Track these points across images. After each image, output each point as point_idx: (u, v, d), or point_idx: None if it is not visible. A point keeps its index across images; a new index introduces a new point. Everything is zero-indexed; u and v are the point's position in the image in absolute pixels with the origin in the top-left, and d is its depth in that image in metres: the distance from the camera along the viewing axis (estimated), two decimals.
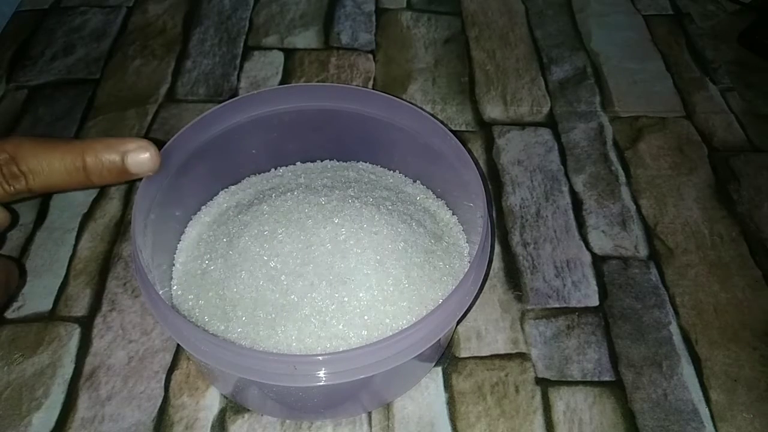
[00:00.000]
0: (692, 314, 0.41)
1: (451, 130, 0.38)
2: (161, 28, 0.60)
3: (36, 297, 0.41)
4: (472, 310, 0.41)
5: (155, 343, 0.39)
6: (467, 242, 0.40)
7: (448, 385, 0.37)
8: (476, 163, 0.37)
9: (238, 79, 0.55)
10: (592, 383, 0.38)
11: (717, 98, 0.54)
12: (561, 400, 0.37)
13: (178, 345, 0.38)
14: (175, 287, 0.38)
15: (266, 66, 0.56)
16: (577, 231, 0.45)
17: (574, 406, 0.37)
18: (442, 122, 0.38)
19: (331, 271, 0.34)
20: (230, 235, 0.37)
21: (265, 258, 0.35)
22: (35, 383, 0.37)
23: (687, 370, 0.38)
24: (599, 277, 0.42)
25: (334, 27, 0.60)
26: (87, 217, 0.45)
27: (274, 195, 0.39)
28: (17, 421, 0.36)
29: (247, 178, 0.44)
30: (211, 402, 0.37)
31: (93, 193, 0.47)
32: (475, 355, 0.39)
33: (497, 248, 0.44)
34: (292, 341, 0.33)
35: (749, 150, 0.50)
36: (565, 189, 0.48)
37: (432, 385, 0.37)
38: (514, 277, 0.42)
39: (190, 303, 0.36)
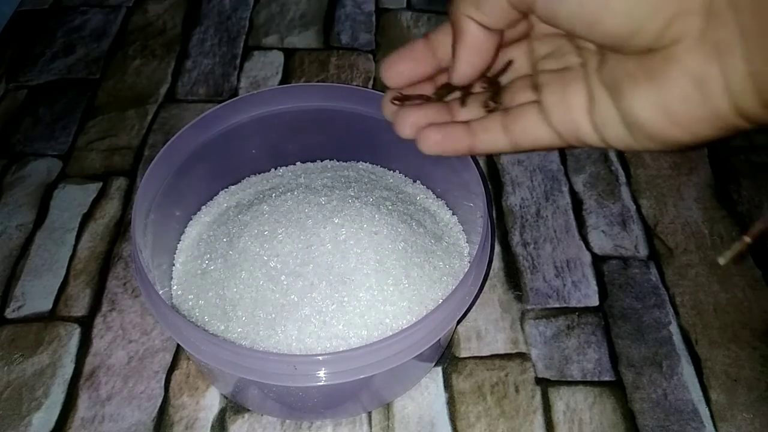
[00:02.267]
0: (692, 314, 0.41)
1: None
2: (161, 28, 0.60)
3: (36, 297, 0.41)
4: (472, 310, 0.41)
5: (155, 343, 0.39)
6: (467, 242, 0.40)
7: (448, 385, 0.37)
8: (476, 163, 0.37)
9: (238, 79, 0.55)
10: (592, 383, 0.38)
11: None
12: (561, 400, 0.37)
13: (178, 345, 0.38)
14: (175, 287, 0.38)
15: (266, 66, 0.56)
16: (577, 231, 0.45)
17: (574, 406, 0.37)
18: None
19: (331, 271, 0.34)
20: (230, 235, 0.37)
21: (265, 258, 0.35)
22: (35, 383, 0.37)
23: (687, 370, 0.38)
24: (599, 277, 0.42)
25: (334, 27, 0.60)
26: (87, 217, 0.45)
27: (274, 195, 0.39)
28: (17, 421, 0.36)
29: (247, 178, 0.44)
30: (211, 402, 0.37)
31: (93, 193, 0.47)
32: (475, 355, 0.39)
33: (497, 248, 0.44)
34: (292, 341, 0.33)
35: (749, 150, 0.50)
36: (565, 189, 0.48)
37: (432, 385, 0.37)
38: (514, 277, 0.42)
39: (190, 303, 0.36)
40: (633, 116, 0.24)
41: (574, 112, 0.26)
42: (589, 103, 0.26)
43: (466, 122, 0.30)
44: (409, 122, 0.30)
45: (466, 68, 0.28)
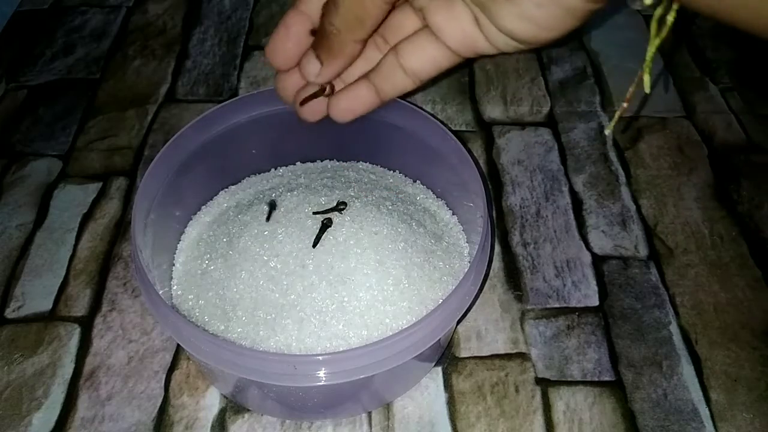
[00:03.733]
0: (692, 314, 0.41)
1: (451, 130, 0.38)
2: (161, 28, 0.60)
3: (36, 297, 0.41)
4: (472, 310, 0.41)
5: (155, 343, 0.39)
6: (467, 242, 0.40)
7: (448, 385, 0.37)
8: (476, 163, 0.37)
9: (238, 79, 0.55)
10: (592, 383, 0.38)
11: (717, 98, 0.54)
12: (561, 400, 0.37)
13: (178, 345, 0.38)
14: (175, 287, 0.38)
15: (266, 66, 0.56)
16: (577, 231, 0.45)
17: (574, 406, 0.37)
18: (442, 122, 0.38)
19: (331, 271, 0.34)
20: (230, 235, 0.37)
21: (265, 258, 0.35)
22: (35, 383, 0.37)
23: (687, 370, 0.38)
24: (599, 277, 0.42)
25: None
26: (87, 217, 0.45)
27: (274, 195, 0.39)
28: (17, 421, 0.36)
29: (247, 178, 0.44)
30: (211, 402, 0.37)
31: (93, 193, 0.47)
32: (475, 355, 0.39)
33: (497, 248, 0.44)
34: (292, 341, 0.33)
35: (749, 150, 0.50)
36: (565, 189, 0.48)
37: (432, 385, 0.37)
38: (514, 277, 0.42)
39: (190, 303, 0.36)
40: (507, 30, 0.27)
41: (466, 27, 0.28)
42: (474, 20, 0.27)
43: (365, 76, 0.31)
44: (312, 107, 0.32)
45: (334, 73, 0.30)
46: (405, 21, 0.30)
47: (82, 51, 0.58)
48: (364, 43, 0.29)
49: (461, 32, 0.28)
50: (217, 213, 0.41)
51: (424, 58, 0.29)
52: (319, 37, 0.29)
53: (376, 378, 0.32)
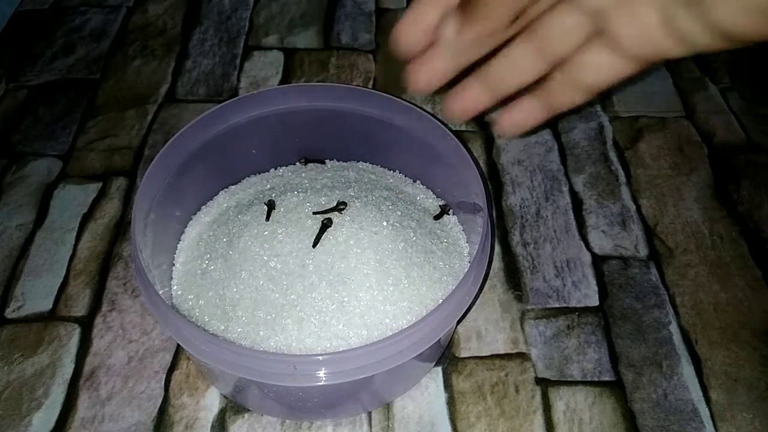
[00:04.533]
0: (692, 314, 0.41)
1: (451, 130, 0.38)
2: (161, 28, 0.60)
3: (36, 297, 0.41)
4: (472, 310, 0.41)
5: (155, 343, 0.39)
6: (467, 242, 0.40)
7: (448, 385, 0.37)
8: (476, 163, 0.37)
9: (238, 79, 0.55)
10: (592, 383, 0.38)
11: (717, 98, 0.54)
12: (561, 400, 0.37)
13: (178, 345, 0.38)
14: (175, 287, 0.38)
15: (266, 66, 0.56)
16: (577, 231, 0.45)
17: (574, 406, 0.37)
18: (442, 122, 0.38)
19: (331, 271, 0.34)
20: (230, 235, 0.37)
21: (265, 258, 0.35)
22: (35, 383, 0.37)
23: (687, 370, 0.38)
24: (599, 277, 0.42)
25: (334, 27, 0.60)
26: (87, 217, 0.45)
27: (274, 195, 0.39)
28: (17, 421, 0.36)
29: (247, 178, 0.44)
30: (211, 402, 0.37)
31: (93, 193, 0.47)
32: (475, 355, 0.39)
33: (497, 248, 0.44)
34: (292, 341, 0.33)
35: (749, 150, 0.50)
36: (565, 189, 0.48)
37: (432, 385, 0.37)
38: (514, 277, 0.42)
39: (190, 303, 0.36)
40: (722, 26, 0.23)
41: (650, 30, 0.24)
42: (663, 20, 0.24)
43: (534, 93, 0.28)
44: (465, 107, 0.29)
45: (470, 41, 0.27)
46: (571, 26, 0.26)
47: (82, 51, 0.58)
48: (509, 24, 0.25)
49: (644, 37, 0.24)
50: (217, 213, 0.41)
51: (602, 72, 0.26)
52: (463, 4, 0.26)
53: (376, 378, 0.32)
